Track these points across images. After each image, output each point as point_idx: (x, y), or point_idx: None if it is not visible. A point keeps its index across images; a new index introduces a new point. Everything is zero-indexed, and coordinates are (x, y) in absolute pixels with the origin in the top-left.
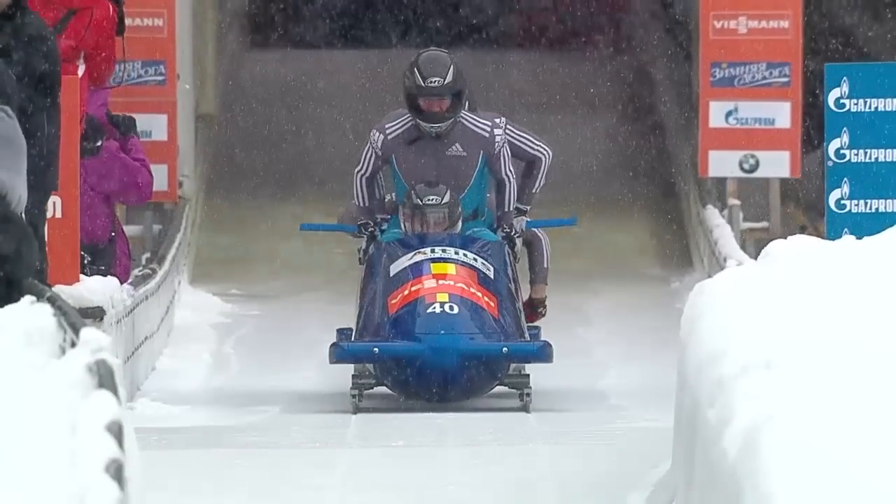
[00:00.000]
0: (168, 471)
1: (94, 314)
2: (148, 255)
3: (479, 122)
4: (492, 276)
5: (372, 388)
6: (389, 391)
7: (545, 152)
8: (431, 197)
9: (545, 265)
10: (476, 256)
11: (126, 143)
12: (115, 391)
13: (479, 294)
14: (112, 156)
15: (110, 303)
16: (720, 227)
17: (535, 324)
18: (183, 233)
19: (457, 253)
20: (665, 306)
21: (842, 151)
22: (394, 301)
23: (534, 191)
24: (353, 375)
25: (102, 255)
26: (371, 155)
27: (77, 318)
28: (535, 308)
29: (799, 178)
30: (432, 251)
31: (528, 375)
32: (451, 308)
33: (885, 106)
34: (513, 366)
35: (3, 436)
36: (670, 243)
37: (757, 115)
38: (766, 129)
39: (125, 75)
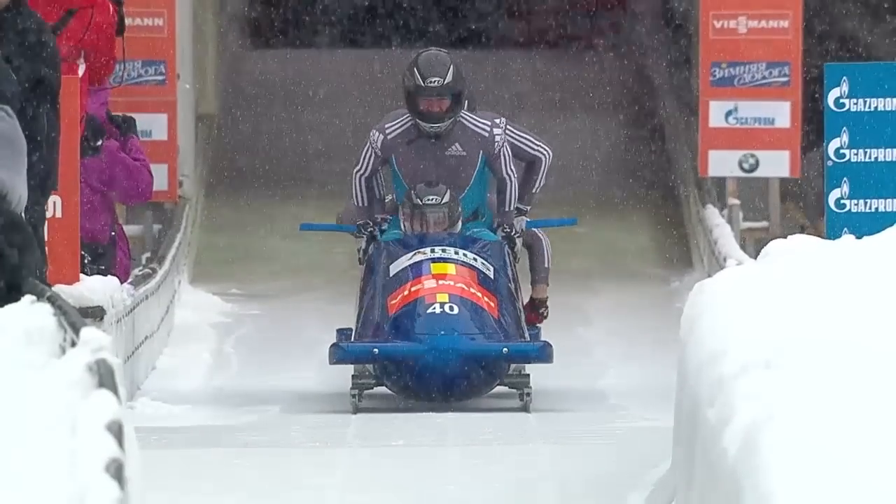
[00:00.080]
0: (168, 470)
1: (95, 314)
2: (148, 254)
3: (478, 121)
4: (492, 277)
5: (372, 388)
6: (389, 391)
7: (545, 152)
8: (431, 197)
9: (546, 265)
10: (476, 256)
11: (126, 143)
12: (115, 391)
13: (479, 294)
14: (112, 156)
15: (110, 302)
16: (720, 227)
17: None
18: (183, 232)
19: (457, 253)
20: (665, 306)
21: (841, 151)
22: (394, 301)
23: (534, 191)
24: (353, 375)
25: (102, 255)
26: (370, 155)
27: (77, 317)
28: (536, 308)
29: (798, 177)
30: (432, 251)
31: (529, 375)
32: (451, 308)
33: (884, 105)
34: (513, 366)
35: (3, 435)
36: (670, 243)
37: (757, 114)
38: (765, 128)
39: (125, 75)
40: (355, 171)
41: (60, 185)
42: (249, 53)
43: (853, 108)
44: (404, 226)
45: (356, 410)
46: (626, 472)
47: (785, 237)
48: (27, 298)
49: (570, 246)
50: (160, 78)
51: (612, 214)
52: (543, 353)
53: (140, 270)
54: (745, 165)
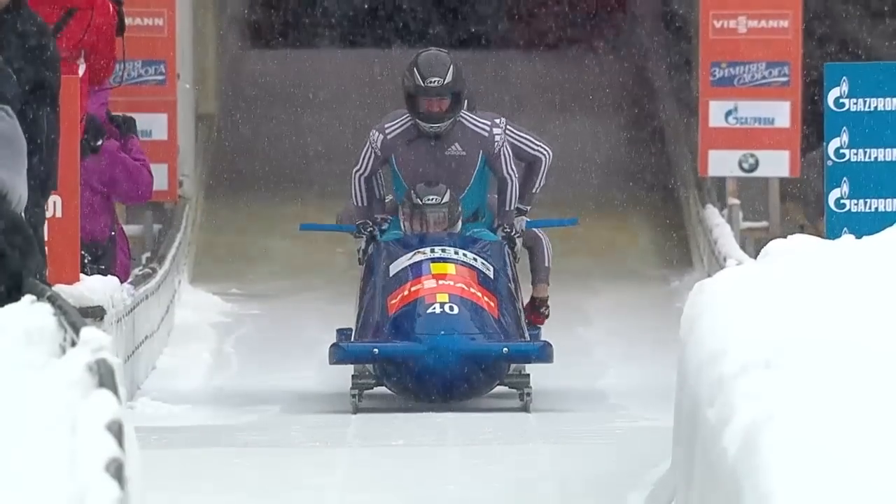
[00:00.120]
0: (168, 470)
1: (95, 313)
2: (148, 254)
3: (478, 121)
4: (492, 277)
5: (372, 388)
6: (389, 391)
7: (545, 152)
8: (431, 196)
9: (546, 264)
10: (476, 256)
11: (126, 143)
12: (115, 390)
13: (479, 294)
14: (112, 156)
15: (110, 302)
16: (720, 227)
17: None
18: (183, 232)
19: (456, 253)
20: (665, 306)
21: (841, 151)
22: (393, 301)
23: (534, 191)
24: (353, 375)
25: (102, 255)
26: (370, 155)
27: (77, 317)
28: (537, 308)
29: (798, 177)
30: (432, 251)
31: (529, 375)
32: (451, 308)
33: (884, 105)
34: (513, 366)
35: (3, 435)
36: (670, 243)
37: (756, 114)
38: (765, 128)
39: (125, 75)
40: (355, 170)
41: (60, 185)
42: (250, 54)
43: (853, 108)
44: (404, 226)
45: (356, 410)
46: (626, 471)
47: (785, 237)
48: (27, 298)
49: (570, 246)
50: (160, 78)
51: (612, 214)
52: (544, 353)
53: (140, 270)
54: (745, 165)
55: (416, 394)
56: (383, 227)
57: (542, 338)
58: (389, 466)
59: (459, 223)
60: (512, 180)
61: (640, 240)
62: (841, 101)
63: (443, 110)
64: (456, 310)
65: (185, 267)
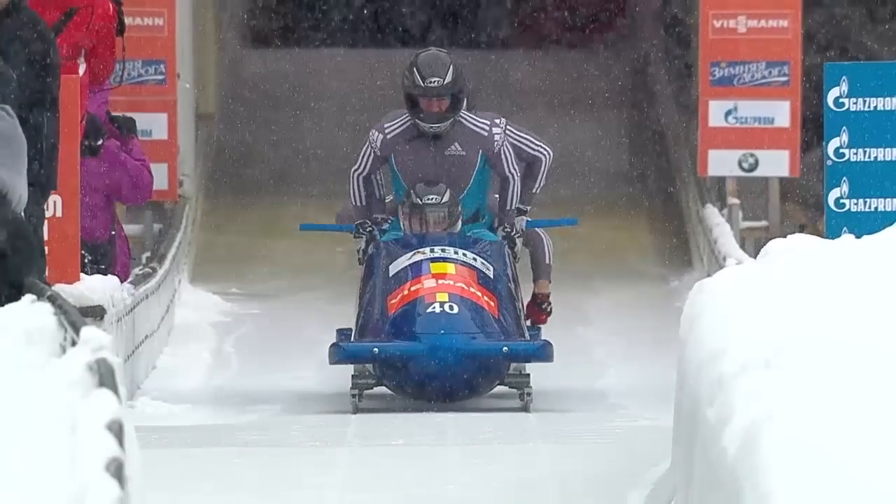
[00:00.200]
0: (168, 470)
1: (95, 313)
2: (148, 254)
3: (478, 121)
4: (492, 276)
5: (372, 388)
6: (389, 391)
7: (545, 152)
8: (431, 196)
9: (547, 261)
10: (476, 256)
11: (126, 143)
12: (115, 390)
13: (479, 294)
14: (113, 155)
15: (110, 302)
16: (719, 226)
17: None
18: (183, 232)
19: (456, 252)
20: (665, 305)
21: (841, 150)
22: (393, 301)
23: (534, 191)
24: (352, 375)
25: (102, 254)
26: (369, 154)
27: (77, 316)
28: (539, 304)
29: (798, 177)
30: (431, 251)
31: (529, 375)
32: (451, 308)
33: (884, 105)
34: (513, 365)
35: (3, 435)
36: (670, 242)
37: (756, 114)
38: (765, 128)
39: (125, 74)
40: (353, 170)
41: (60, 185)
42: (250, 53)
43: (853, 108)
44: (403, 225)
45: (356, 410)
46: (625, 471)
47: (784, 236)
48: (27, 298)
49: (570, 245)
50: (160, 77)
51: (612, 214)
52: (544, 352)
53: (140, 270)
54: (745, 165)
55: (415, 393)
56: (384, 228)
57: (542, 337)
58: (389, 466)
59: (459, 223)
60: (514, 179)
61: (640, 239)
62: (841, 100)
63: (442, 110)
64: (456, 309)
65: (186, 266)
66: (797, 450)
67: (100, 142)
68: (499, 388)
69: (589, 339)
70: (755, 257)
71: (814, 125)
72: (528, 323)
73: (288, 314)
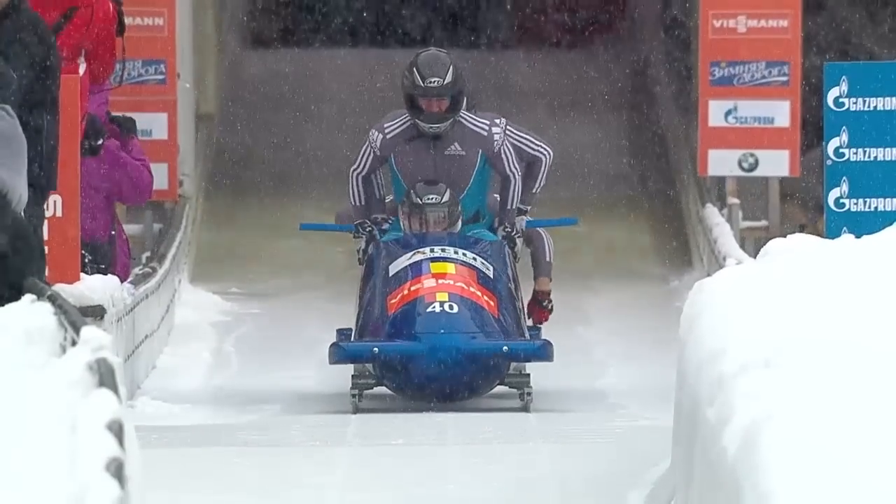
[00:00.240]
0: (168, 469)
1: (95, 313)
2: (148, 253)
3: (477, 121)
4: (491, 276)
5: (372, 388)
6: (389, 391)
7: (546, 152)
8: (431, 196)
9: (547, 259)
10: (476, 256)
11: (126, 143)
12: (115, 390)
13: (479, 293)
14: (113, 155)
15: (111, 301)
16: (719, 226)
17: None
18: (183, 231)
19: (456, 252)
20: (664, 305)
21: (841, 150)
22: (393, 301)
23: (534, 191)
24: (352, 375)
25: (102, 254)
26: (369, 154)
27: (77, 316)
28: (540, 302)
29: (798, 176)
30: (431, 251)
31: (529, 375)
32: (451, 307)
33: (884, 105)
34: (513, 365)
35: (3, 435)
36: (670, 242)
37: (756, 113)
38: (765, 127)
39: (125, 75)
40: (352, 170)
41: (60, 185)
42: (250, 53)
43: (852, 108)
44: (403, 225)
45: (356, 410)
46: (625, 470)
47: (784, 236)
48: (27, 298)
49: (570, 245)
50: (160, 77)
51: (611, 214)
52: (544, 352)
53: (140, 269)
54: (745, 165)
55: (415, 393)
56: (384, 228)
57: (542, 337)
58: (389, 465)
59: (459, 223)
60: (515, 178)
61: (640, 239)
62: (840, 100)
63: (442, 110)
64: (456, 309)
65: (186, 266)
66: (797, 449)
67: (100, 142)
68: (499, 388)
69: (589, 339)
70: (755, 257)
71: (813, 127)
72: (530, 321)
73: (288, 314)
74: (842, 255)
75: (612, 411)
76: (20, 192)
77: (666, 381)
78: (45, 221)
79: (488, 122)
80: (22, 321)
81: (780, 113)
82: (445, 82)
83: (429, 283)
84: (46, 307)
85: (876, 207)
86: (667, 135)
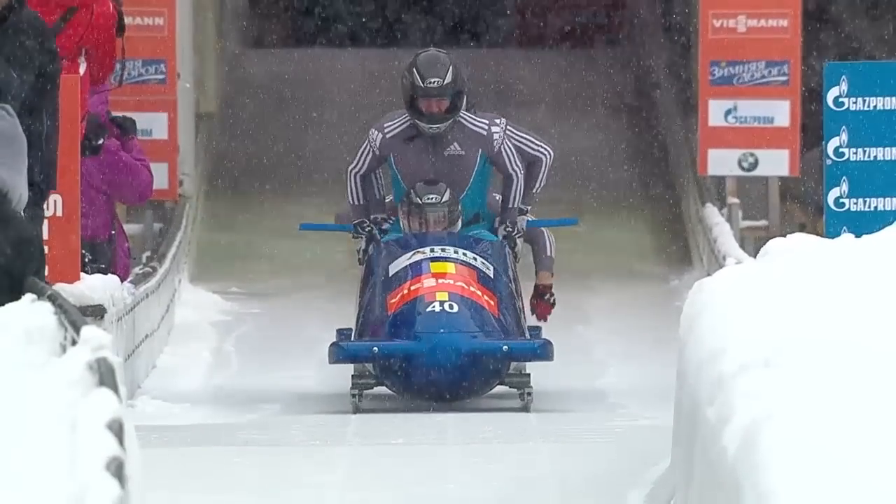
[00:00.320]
0: (168, 469)
1: (95, 312)
2: (148, 253)
3: (477, 121)
4: (491, 276)
5: (372, 388)
6: (389, 391)
7: (546, 152)
8: (431, 196)
9: (548, 254)
10: (476, 256)
11: (127, 143)
12: (115, 389)
13: (479, 293)
14: (113, 155)
15: (111, 301)
16: (719, 226)
17: (537, 323)
18: (183, 231)
19: (456, 252)
20: (664, 305)
21: (841, 150)
22: (393, 300)
23: (535, 191)
24: (352, 375)
25: (102, 254)
26: (368, 153)
27: (77, 316)
28: (541, 296)
29: (797, 176)
30: (431, 250)
31: (529, 375)
32: (451, 307)
33: (884, 104)
34: (513, 365)
35: (3, 434)
36: (670, 241)
37: (756, 113)
38: (765, 127)
39: (125, 74)
40: (350, 168)
41: (60, 184)
42: (250, 52)
43: (852, 107)
44: (403, 225)
45: (356, 410)
46: (625, 470)
47: (784, 236)
48: (27, 297)
49: (570, 245)
50: (160, 77)
51: (611, 214)
52: (544, 351)
53: (140, 269)
54: (745, 164)
55: (416, 393)
56: (384, 227)
57: (543, 337)
58: (389, 465)
59: (459, 222)
60: (517, 177)
61: (640, 239)
62: (840, 100)
63: (442, 111)
64: (456, 308)
65: (186, 266)
66: (797, 449)
67: (100, 141)
68: (499, 388)
69: (589, 339)
70: (755, 257)
71: (812, 129)
72: (533, 317)
73: (288, 313)
74: (842, 255)
75: (612, 411)
76: (21, 192)
77: (666, 380)
78: (46, 221)
79: (487, 122)
80: (22, 320)
81: (780, 113)
82: (445, 82)
83: (429, 282)
84: (46, 307)
85: (876, 207)
86: (667, 135)
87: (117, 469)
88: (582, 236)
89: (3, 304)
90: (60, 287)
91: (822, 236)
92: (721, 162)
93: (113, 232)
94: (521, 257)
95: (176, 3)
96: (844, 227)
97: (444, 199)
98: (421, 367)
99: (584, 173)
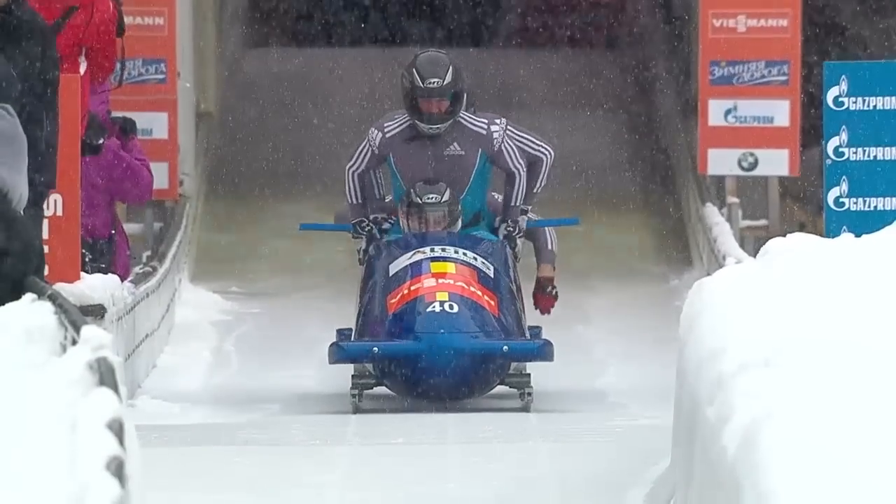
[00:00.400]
0: (168, 468)
1: (95, 312)
2: (149, 252)
3: (476, 121)
4: (492, 276)
5: (372, 388)
6: (389, 391)
7: (547, 152)
8: (431, 195)
9: (549, 247)
10: (476, 256)
11: (127, 143)
12: (115, 389)
13: (480, 293)
14: (113, 154)
15: (111, 300)
16: (719, 225)
17: (538, 321)
18: (183, 231)
19: (456, 252)
20: (664, 304)
21: (840, 149)
22: (393, 300)
23: (535, 190)
24: (352, 375)
25: (103, 253)
26: (367, 152)
27: (78, 315)
28: (543, 288)
29: (797, 176)
30: (432, 250)
31: (529, 375)
32: (451, 307)
33: (883, 104)
34: (514, 365)
35: (4, 434)
36: (669, 241)
37: (756, 113)
38: (764, 127)
39: (125, 74)
40: (348, 167)
41: (61, 183)
42: (250, 52)
43: (852, 107)
44: (403, 224)
45: (356, 410)
46: (625, 469)
47: (784, 235)
48: (28, 296)
49: (570, 244)
50: (161, 76)
51: (611, 213)
52: (544, 352)
53: (141, 268)
54: (745, 164)
55: (416, 393)
56: (384, 227)
57: (542, 337)
58: (389, 465)
59: (459, 222)
60: (520, 174)
61: (640, 238)
62: (840, 99)
63: (442, 111)
64: (456, 308)
65: (186, 265)
66: (797, 448)
67: (101, 141)
68: (499, 388)
69: (589, 339)
70: (755, 256)
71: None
72: (537, 311)
73: (288, 313)
74: (841, 255)
75: (611, 410)
76: (21, 192)
77: (666, 380)
78: (46, 220)
79: (487, 121)
80: (22, 320)
81: (780, 112)
82: (445, 83)
83: (429, 282)
84: (47, 306)
85: (875, 207)
86: (667, 135)
87: (117, 469)
88: (582, 236)
89: (3, 304)
90: (60, 286)
91: (822, 236)
92: (721, 161)
93: (113, 231)
94: (522, 257)
95: (176, 3)
96: (844, 227)
97: (444, 199)
98: (421, 368)
99: (585, 173)
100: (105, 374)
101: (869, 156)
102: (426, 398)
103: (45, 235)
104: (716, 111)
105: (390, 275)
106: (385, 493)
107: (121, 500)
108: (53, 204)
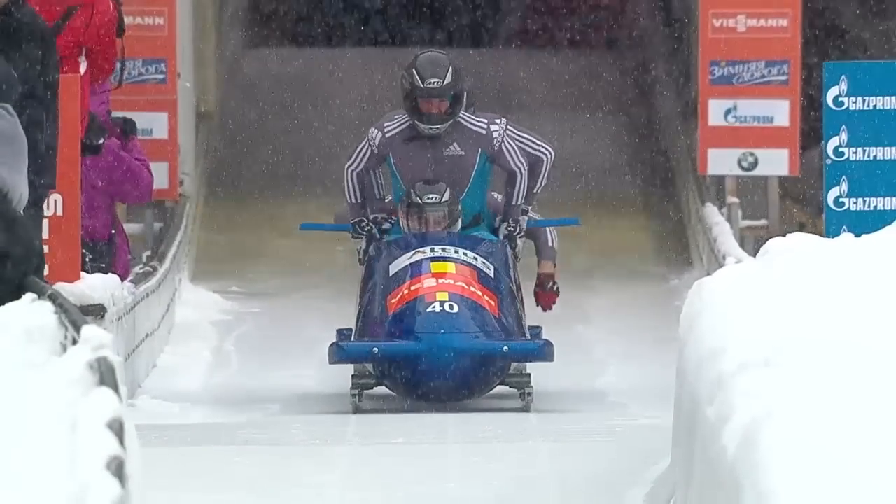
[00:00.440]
0: (168, 468)
1: (95, 312)
2: (149, 252)
3: (476, 121)
4: (492, 276)
5: (372, 388)
6: (389, 391)
7: (547, 152)
8: (431, 195)
9: (550, 244)
10: (476, 256)
11: (127, 143)
12: (115, 388)
13: (480, 293)
14: (114, 154)
15: (111, 300)
16: (719, 225)
17: (537, 324)
18: (184, 230)
19: (456, 252)
20: (664, 304)
21: (840, 149)
22: (393, 300)
23: (535, 191)
24: (352, 375)
25: (103, 253)
26: (366, 151)
27: (78, 315)
28: (544, 284)
29: (797, 175)
30: (432, 250)
31: (529, 375)
32: (451, 307)
33: (883, 104)
34: (514, 365)
35: (4, 434)
36: (669, 241)
37: (756, 113)
38: (764, 126)
39: (125, 74)
40: (347, 166)
41: (61, 183)
42: (250, 52)
43: (852, 107)
44: (403, 224)
45: (356, 410)
46: (625, 469)
47: (784, 235)
48: (28, 296)
49: (570, 244)
50: (161, 76)
51: (611, 213)
52: (544, 352)
53: (141, 268)
54: (745, 164)
55: (416, 393)
56: (384, 227)
57: (543, 337)
58: (389, 464)
59: (459, 222)
60: (521, 173)
61: (640, 238)
62: (840, 99)
63: (442, 111)
64: (456, 308)
65: (186, 265)
66: (797, 448)
67: (101, 141)
68: (499, 388)
69: (589, 338)
70: (755, 256)
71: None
72: (538, 308)
73: (288, 313)
74: (841, 255)
75: (611, 410)
76: (21, 191)
77: (666, 380)
78: (46, 220)
79: (487, 121)
80: (22, 320)
81: (780, 112)
82: (445, 83)
83: (429, 282)
84: (47, 306)
85: (875, 207)
86: (667, 137)
87: (117, 468)
88: (582, 236)
89: (3, 304)
90: (61, 286)
91: (821, 236)
92: (721, 161)
93: (113, 231)
94: (522, 257)
95: (176, 3)
96: (844, 227)
97: (444, 199)
98: (421, 368)
99: (585, 175)
100: (105, 374)
101: (869, 156)
102: (426, 398)
103: (45, 236)
104: (716, 111)
105: (390, 275)
106: (385, 493)
107: (121, 499)
108: (53, 204)
